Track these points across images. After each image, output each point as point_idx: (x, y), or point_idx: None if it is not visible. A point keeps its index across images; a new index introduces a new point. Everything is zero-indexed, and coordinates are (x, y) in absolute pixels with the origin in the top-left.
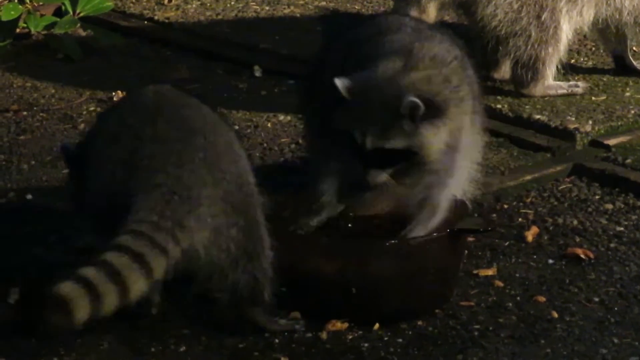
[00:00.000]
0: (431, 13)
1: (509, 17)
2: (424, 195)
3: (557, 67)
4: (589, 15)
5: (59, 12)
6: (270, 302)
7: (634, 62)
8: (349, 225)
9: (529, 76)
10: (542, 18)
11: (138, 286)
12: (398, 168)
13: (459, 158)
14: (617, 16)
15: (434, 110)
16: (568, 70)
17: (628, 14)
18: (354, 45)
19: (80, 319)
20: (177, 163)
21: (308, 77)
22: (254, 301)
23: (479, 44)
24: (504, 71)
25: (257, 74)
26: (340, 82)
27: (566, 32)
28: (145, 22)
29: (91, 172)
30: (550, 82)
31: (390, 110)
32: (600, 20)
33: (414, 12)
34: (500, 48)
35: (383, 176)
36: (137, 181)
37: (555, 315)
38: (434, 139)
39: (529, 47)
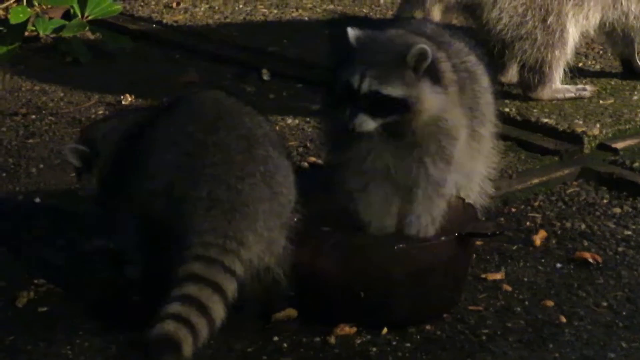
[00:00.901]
0: (436, 16)
1: (514, 20)
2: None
3: (564, 70)
4: (595, 18)
5: (67, 15)
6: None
7: None
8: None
9: (536, 79)
10: (548, 22)
11: (220, 314)
12: (388, 121)
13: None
14: (624, 20)
15: (436, 74)
16: (576, 73)
17: (634, 17)
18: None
19: (187, 356)
20: (239, 176)
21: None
22: (280, 289)
23: (486, 47)
24: (512, 75)
25: (266, 77)
26: (351, 31)
27: (572, 35)
28: (154, 25)
29: (142, 172)
30: (557, 86)
31: (395, 57)
32: (607, 24)
33: (418, 15)
34: (507, 52)
35: (370, 124)
36: (199, 191)
37: (564, 319)
38: (431, 98)
39: (535, 50)
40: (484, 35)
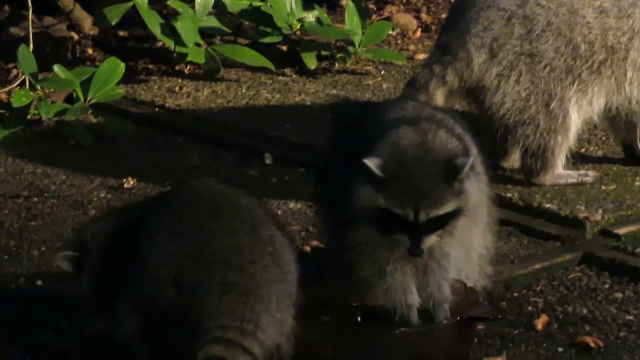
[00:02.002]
0: (439, 100)
1: (517, 105)
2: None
3: (567, 156)
4: (599, 104)
5: (70, 99)
6: None
7: None
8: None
9: (539, 165)
10: (551, 107)
11: None
12: (444, 228)
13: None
14: (627, 104)
15: (471, 168)
16: (578, 159)
17: (636, 102)
18: (365, 131)
19: None
20: (250, 259)
21: (321, 167)
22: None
23: (489, 132)
24: (514, 160)
25: (268, 161)
26: (371, 162)
27: (575, 121)
28: (156, 109)
29: (144, 263)
30: (560, 171)
31: (437, 176)
32: (611, 109)
33: (422, 99)
34: (509, 137)
35: (432, 240)
36: (211, 277)
37: None
38: (474, 190)
39: (537, 135)
40: (487, 120)
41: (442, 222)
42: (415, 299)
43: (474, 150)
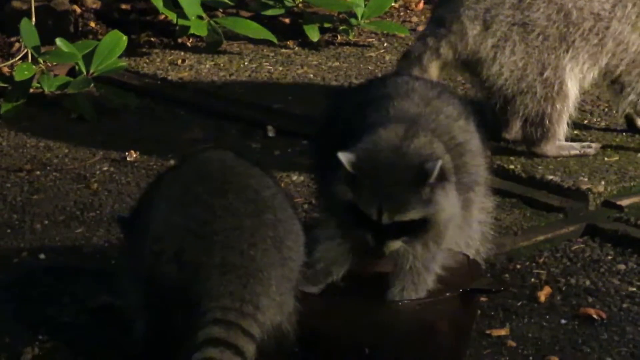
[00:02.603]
0: (433, 73)
1: (514, 74)
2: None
3: (568, 126)
4: (591, 72)
5: (72, 72)
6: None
7: None
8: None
9: (539, 133)
10: (545, 75)
11: None
12: (411, 236)
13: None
14: (611, 74)
15: (443, 175)
16: (581, 130)
17: (621, 73)
18: (360, 107)
19: None
20: (251, 241)
21: (317, 137)
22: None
23: (488, 105)
24: (515, 131)
25: (271, 134)
26: (344, 157)
27: (571, 89)
28: (159, 82)
29: (149, 233)
30: (562, 142)
31: (405, 181)
32: (604, 77)
33: (415, 72)
34: (509, 107)
35: (397, 244)
36: (211, 257)
37: None
38: (446, 203)
39: (535, 103)
40: (485, 92)
41: (408, 229)
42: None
43: (471, 128)
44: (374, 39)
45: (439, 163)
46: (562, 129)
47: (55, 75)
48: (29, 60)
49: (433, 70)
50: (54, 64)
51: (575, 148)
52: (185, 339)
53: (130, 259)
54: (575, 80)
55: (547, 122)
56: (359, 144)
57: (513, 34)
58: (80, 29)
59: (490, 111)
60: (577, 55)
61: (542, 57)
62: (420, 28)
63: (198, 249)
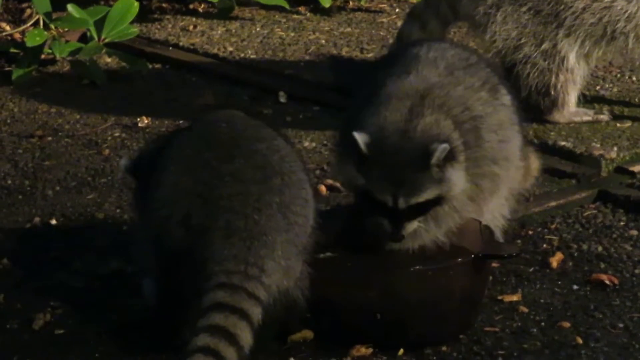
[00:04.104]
0: (434, 31)
1: (508, 44)
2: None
3: (581, 93)
4: (595, 51)
5: (84, 38)
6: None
7: None
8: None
9: (547, 102)
10: (543, 47)
11: (248, 340)
12: (425, 215)
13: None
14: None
15: (453, 154)
16: (593, 97)
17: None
18: (380, 79)
19: None
20: (256, 207)
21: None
22: (299, 307)
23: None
24: (522, 98)
25: (282, 99)
26: (360, 137)
27: (573, 62)
28: (170, 48)
29: (158, 196)
30: (574, 109)
31: (418, 163)
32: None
33: (417, 30)
34: (511, 75)
35: (413, 225)
36: (216, 221)
37: (580, 341)
38: (458, 180)
39: (537, 74)
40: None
41: (424, 209)
42: None
43: (498, 101)
44: (385, 5)
45: (444, 146)
46: (572, 96)
47: (67, 41)
48: (41, 26)
49: (435, 29)
50: (66, 30)
51: (588, 114)
52: (192, 302)
53: (140, 221)
54: (580, 55)
55: (553, 91)
56: (370, 119)
57: (504, 4)
58: None
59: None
60: (573, 33)
61: (537, 30)
62: None
63: (204, 213)
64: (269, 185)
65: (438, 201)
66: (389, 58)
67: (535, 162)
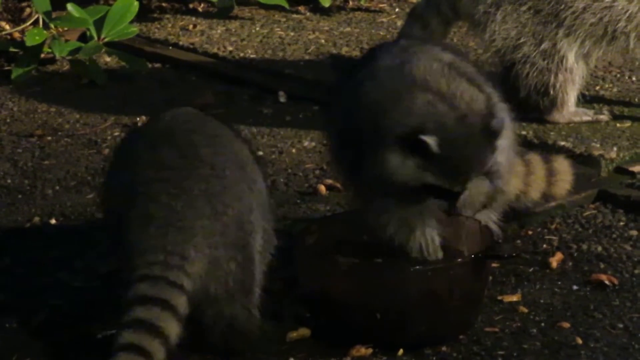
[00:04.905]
0: (436, 30)
1: (508, 43)
2: None
3: (578, 92)
4: (595, 51)
5: (83, 38)
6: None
7: None
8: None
9: (546, 102)
10: (542, 47)
11: (175, 331)
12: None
13: None
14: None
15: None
16: (593, 97)
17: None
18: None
19: None
20: (172, 193)
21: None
22: (247, 336)
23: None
24: (521, 97)
25: (282, 99)
26: (431, 140)
27: (572, 62)
28: (170, 47)
29: (106, 190)
30: (573, 109)
31: (484, 147)
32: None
33: (419, 29)
34: (511, 75)
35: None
36: (134, 209)
37: (580, 341)
38: (504, 151)
39: (536, 74)
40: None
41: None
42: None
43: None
44: (385, 4)
45: (499, 120)
46: (572, 96)
47: (66, 41)
48: (40, 26)
49: (436, 29)
50: (65, 29)
51: (588, 114)
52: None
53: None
54: (579, 55)
55: (552, 91)
56: (422, 121)
57: (505, 2)
58: None
59: (499, 76)
60: (573, 33)
61: (537, 29)
62: None
63: (121, 200)
64: (193, 173)
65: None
66: (367, 58)
67: (563, 165)
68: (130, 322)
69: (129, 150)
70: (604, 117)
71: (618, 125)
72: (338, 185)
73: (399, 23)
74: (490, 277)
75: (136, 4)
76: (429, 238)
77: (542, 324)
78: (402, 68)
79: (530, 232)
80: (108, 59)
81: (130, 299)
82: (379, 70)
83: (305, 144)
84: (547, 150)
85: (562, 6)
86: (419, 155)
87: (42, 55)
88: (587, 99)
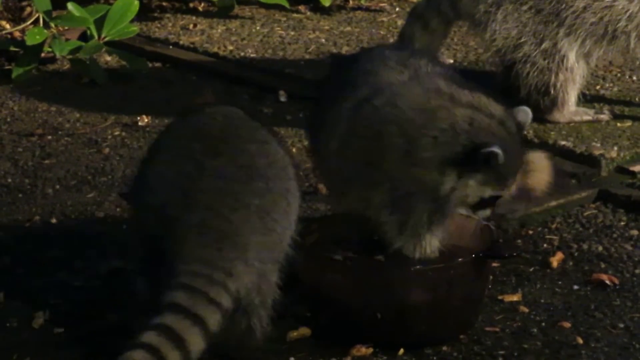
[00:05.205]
0: (438, 30)
1: (508, 43)
2: None
3: (581, 92)
4: (596, 50)
5: (84, 37)
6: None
7: None
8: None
9: (547, 102)
10: (543, 47)
11: (198, 347)
12: None
13: None
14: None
15: None
16: (593, 96)
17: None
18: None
19: None
20: (232, 205)
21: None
22: (259, 341)
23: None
24: (521, 97)
25: (282, 98)
26: (498, 151)
27: (573, 62)
28: (170, 46)
29: (143, 184)
30: (574, 108)
31: (521, 145)
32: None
33: (420, 29)
34: (511, 74)
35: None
36: (190, 216)
37: (580, 341)
38: None
39: (537, 73)
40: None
41: None
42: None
43: None
44: (385, 4)
45: (525, 111)
46: (572, 95)
47: (67, 40)
48: (41, 25)
49: (437, 28)
50: (66, 28)
51: (589, 114)
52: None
53: (131, 215)
54: (580, 55)
55: (553, 90)
56: (462, 136)
57: (505, 2)
58: None
59: (500, 76)
60: (573, 32)
61: (537, 29)
62: None
63: (180, 205)
64: (251, 186)
65: None
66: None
67: (538, 157)
68: (157, 325)
69: (179, 149)
70: (605, 116)
71: (619, 124)
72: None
73: (400, 22)
74: (491, 277)
75: (136, 3)
76: (433, 246)
77: (543, 324)
78: (416, 84)
79: (530, 232)
80: (108, 58)
81: (166, 303)
82: (386, 86)
83: (306, 143)
84: (548, 149)
85: (563, 5)
86: (481, 171)
87: (43, 55)
88: (587, 99)
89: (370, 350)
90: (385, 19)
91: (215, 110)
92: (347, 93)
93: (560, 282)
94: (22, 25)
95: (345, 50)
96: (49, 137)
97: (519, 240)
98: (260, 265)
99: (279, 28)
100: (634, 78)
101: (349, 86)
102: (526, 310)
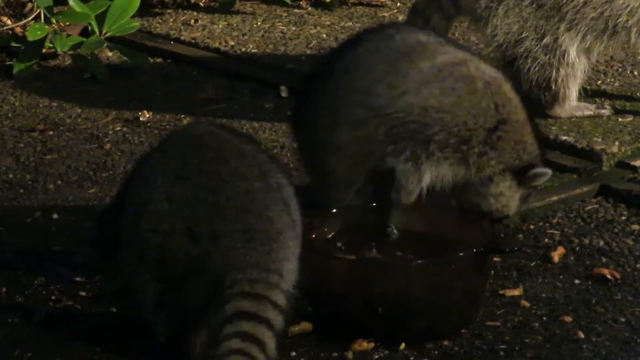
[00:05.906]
0: (439, 25)
1: (509, 38)
2: None
3: (582, 87)
4: (597, 46)
5: (85, 32)
6: None
7: None
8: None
9: (548, 97)
10: (544, 42)
11: (274, 351)
12: None
13: None
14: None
15: None
16: (594, 91)
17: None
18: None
19: None
20: (264, 204)
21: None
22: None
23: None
24: (523, 92)
25: (284, 94)
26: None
27: (573, 57)
28: (172, 42)
29: (149, 215)
30: (575, 103)
31: None
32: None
33: (420, 24)
34: (512, 70)
35: None
36: (229, 223)
37: (582, 335)
38: None
39: (538, 69)
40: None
41: None
42: None
43: None
44: None
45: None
46: (574, 90)
47: (68, 36)
48: (42, 20)
49: (438, 23)
50: (67, 24)
51: (590, 109)
52: (204, 314)
53: (128, 255)
54: (581, 50)
55: (554, 86)
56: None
57: None
58: None
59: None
60: (574, 27)
61: (538, 24)
62: None
63: (213, 217)
64: (269, 182)
65: None
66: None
67: None
68: (237, 333)
69: (181, 167)
70: (606, 111)
71: (620, 119)
72: None
73: (401, 18)
74: (492, 271)
75: None
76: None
77: (544, 318)
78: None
79: (532, 227)
80: (110, 53)
81: (233, 313)
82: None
83: None
84: (549, 145)
85: (564, 0)
86: (525, 185)
87: (44, 50)
88: (588, 94)
89: (372, 344)
90: (386, 15)
91: (192, 128)
92: None
93: (561, 277)
94: (24, 21)
95: None
96: (51, 132)
97: (520, 235)
98: (295, 262)
99: (280, 23)
100: (635, 73)
101: None
102: (527, 304)
